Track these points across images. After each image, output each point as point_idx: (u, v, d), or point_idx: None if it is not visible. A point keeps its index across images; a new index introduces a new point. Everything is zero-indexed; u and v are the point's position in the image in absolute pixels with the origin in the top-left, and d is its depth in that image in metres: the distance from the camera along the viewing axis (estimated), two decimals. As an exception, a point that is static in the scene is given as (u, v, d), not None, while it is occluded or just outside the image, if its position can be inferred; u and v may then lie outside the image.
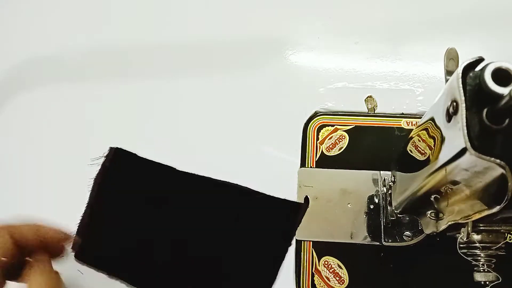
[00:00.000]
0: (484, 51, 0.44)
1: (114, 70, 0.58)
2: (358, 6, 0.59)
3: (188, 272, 0.29)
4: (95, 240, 0.30)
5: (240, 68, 0.56)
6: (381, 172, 0.46)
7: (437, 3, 0.58)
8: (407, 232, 0.43)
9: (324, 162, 0.48)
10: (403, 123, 0.49)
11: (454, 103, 0.23)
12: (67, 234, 0.32)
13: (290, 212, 0.30)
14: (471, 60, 0.23)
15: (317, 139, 0.49)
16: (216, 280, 0.29)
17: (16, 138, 0.54)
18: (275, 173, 0.48)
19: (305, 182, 0.47)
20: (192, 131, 0.52)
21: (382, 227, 0.43)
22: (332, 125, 0.49)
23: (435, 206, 0.31)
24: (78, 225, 0.30)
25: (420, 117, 0.49)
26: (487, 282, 0.35)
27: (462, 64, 0.23)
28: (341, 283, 0.42)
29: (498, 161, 0.21)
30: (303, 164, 0.48)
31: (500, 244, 0.32)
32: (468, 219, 0.27)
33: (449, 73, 0.30)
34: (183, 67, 0.57)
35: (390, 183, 0.41)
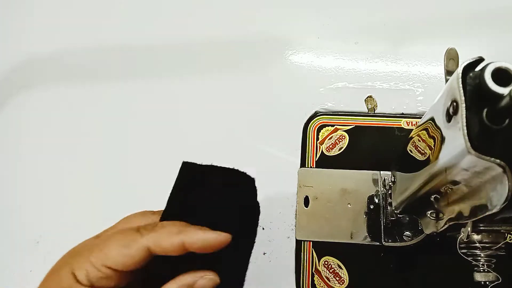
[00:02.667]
0: (484, 51, 0.44)
1: (114, 70, 0.58)
2: (358, 6, 0.59)
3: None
4: None
5: (240, 68, 0.56)
6: (381, 172, 0.46)
7: (437, 3, 0.58)
8: (407, 232, 0.43)
9: (324, 162, 0.48)
10: (403, 123, 0.49)
11: (454, 103, 0.23)
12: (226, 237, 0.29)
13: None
14: (471, 60, 0.23)
15: (317, 139, 0.49)
16: None
17: (16, 138, 0.54)
18: (275, 173, 0.48)
19: (305, 182, 0.47)
20: (192, 131, 0.52)
21: (382, 227, 0.43)
22: (332, 125, 0.49)
23: (435, 206, 0.31)
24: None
25: (420, 117, 0.49)
26: (487, 282, 0.35)
27: (462, 64, 0.23)
28: (341, 283, 0.42)
29: (498, 161, 0.21)
30: (303, 164, 0.48)
31: (500, 244, 0.32)
32: (468, 219, 0.27)
33: (449, 73, 0.30)
34: (183, 67, 0.57)
35: (390, 183, 0.41)
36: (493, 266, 0.34)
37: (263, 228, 0.45)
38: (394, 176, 0.40)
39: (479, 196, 0.25)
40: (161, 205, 0.31)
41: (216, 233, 0.27)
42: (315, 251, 0.43)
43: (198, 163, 0.31)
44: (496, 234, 0.32)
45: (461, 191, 0.27)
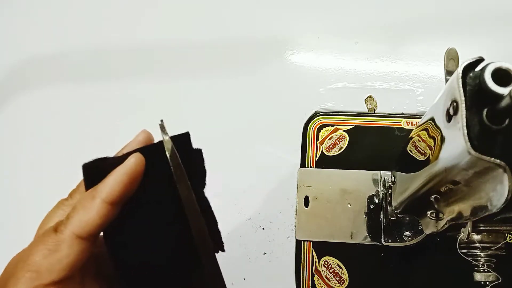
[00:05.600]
0: (484, 51, 0.44)
1: (114, 70, 0.58)
2: (358, 6, 0.59)
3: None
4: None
5: (240, 69, 0.56)
6: (381, 172, 0.46)
7: (437, 4, 0.58)
8: (407, 232, 0.43)
9: (324, 162, 0.48)
10: (403, 123, 0.49)
11: (454, 103, 0.23)
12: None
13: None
14: (471, 60, 0.23)
15: (317, 139, 0.49)
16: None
17: (16, 138, 0.54)
18: (275, 173, 0.48)
19: (305, 182, 0.47)
20: (192, 131, 0.52)
21: (382, 227, 0.43)
22: (332, 125, 0.49)
23: (435, 206, 0.31)
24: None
25: (420, 117, 0.49)
26: (487, 282, 0.35)
27: (462, 64, 0.23)
28: (341, 283, 0.42)
29: (498, 161, 0.21)
30: (303, 164, 0.48)
31: (500, 244, 0.32)
32: (468, 219, 0.27)
33: (449, 73, 0.30)
34: (183, 68, 0.57)
35: (390, 183, 0.41)
36: (493, 266, 0.34)
37: (263, 228, 0.45)
38: (394, 176, 0.40)
39: (479, 196, 0.25)
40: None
41: (122, 165, 0.24)
42: (315, 251, 0.43)
43: (97, 158, 0.27)
44: (496, 234, 0.32)
45: (461, 191, 0.27)
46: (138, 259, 0.26)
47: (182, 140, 0.29)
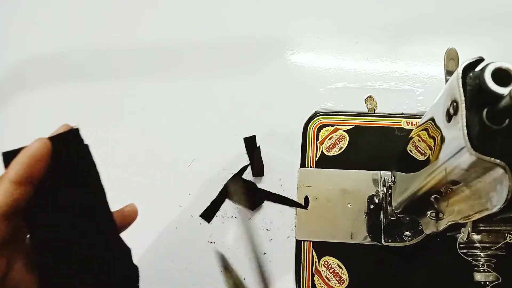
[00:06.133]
0: (484, 51, 0.44)
1: (114, 70, 0.58)
2: (358, 6, 0.59)
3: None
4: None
5: (240, 68, 0.56)
6: (381, 172, 0.46)
7: (437, 4, 0.58)
8: (407, 232, 0.43)
9: (324, 162, 0.48)
10: (403, 123, 0.49)
11: (454, 103, 0.23)
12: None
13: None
14: (471, 60, 0.23)
15: (317, 139, 0.49)
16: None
17: (16, 138, 0.54)
18: (275, 173, 0.48)
19: (305, 182, 0.47)
20: (192, 131, 0.52)
21: (382, 227, 0.43)
22: (332, 125, 0.49)
23: (435, 206, 0.31)
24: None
25: (420, 117, 0.49)
26: (487, 282, 0.35)
27: (462, 64, 0.23)
28: (341, 283, 0.42)
29: (498, 161, 0.21)
30: (303, 164, 0.48)
31: (500, 244, 0.32)
32: (468, 219, 0.27)
33: (449, 73, 0.30)
34: (183, 68, 0.57)
35: (390, 183, 0.41)
36: (493, 266, 0.34)
37: (263, 228, 0.45)
38: (394, 176, 0.40)
39: (479, 196, 0.25)
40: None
41: (26, 148, 0.27)
42: (315, 251, 0.43)
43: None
44: (496, 234, 0.32)
45: (461, 191, 0.27)
46: (52, 243, 0.28)
47: (72, 136, 0.31)
